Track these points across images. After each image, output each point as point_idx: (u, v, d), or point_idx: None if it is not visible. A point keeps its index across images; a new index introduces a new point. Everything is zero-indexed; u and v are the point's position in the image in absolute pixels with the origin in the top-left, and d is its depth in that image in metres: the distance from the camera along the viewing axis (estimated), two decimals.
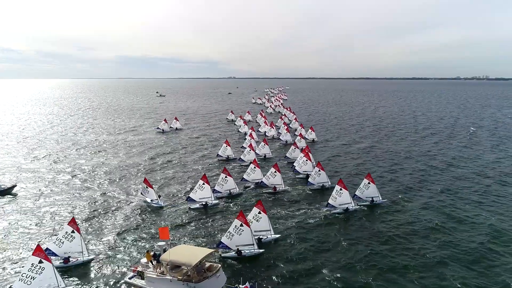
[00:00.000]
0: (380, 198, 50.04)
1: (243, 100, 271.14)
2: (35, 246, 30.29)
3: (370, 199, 49.61)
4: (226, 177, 54.00)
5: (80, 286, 31.68)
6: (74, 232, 35.51)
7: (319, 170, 56.92)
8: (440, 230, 41.94)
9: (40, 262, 29.12)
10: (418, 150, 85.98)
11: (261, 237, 39.11)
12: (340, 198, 47.16)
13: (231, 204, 50.95)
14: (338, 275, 32.86)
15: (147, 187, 50.12)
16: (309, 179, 57.26)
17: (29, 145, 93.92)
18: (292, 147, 76.22)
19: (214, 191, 52.70)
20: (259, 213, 39.31)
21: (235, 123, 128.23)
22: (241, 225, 36.19)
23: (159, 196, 51.07)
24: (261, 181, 56.85)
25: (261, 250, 36.53)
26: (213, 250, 31.87)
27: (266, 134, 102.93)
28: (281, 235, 40.27)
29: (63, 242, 35.15)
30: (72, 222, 35.74)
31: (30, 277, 28.92)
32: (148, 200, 49.99)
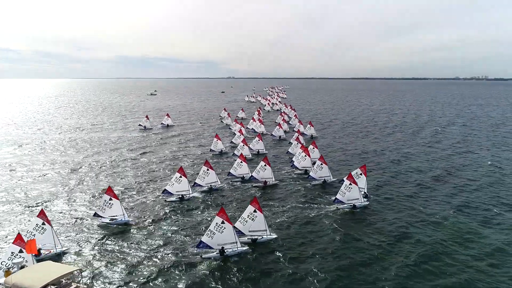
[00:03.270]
0: (366, 193, 47.82)
1: (237, 98, 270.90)
2: (16, 235, 30.07)
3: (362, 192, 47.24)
4: (207, 170, 51.96)
5: None
6: (44, 224, 34.49)
7: (321, 164, 55.16)
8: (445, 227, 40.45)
9: (20, 251, 29.26)
10: (420, 149, 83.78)
11: (256, 237, 36.90)
12: (349, 193, 45.66)
13: (213, 199, 49.09)
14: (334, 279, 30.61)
15: (110, 199, 40.31)
16: (310, 173, 55.82)
17: None
18: (295, 142, 74.75)
19: (195, 184, 51.10)
20: (255, 211, 37.12)
21: (223, 120, 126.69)
22: (223, 223, 34.35)
23: (123, 214, 40.78)
24: (251, 175, 55.03)
25: (244, 248, 34.92)
26: (75, 269, 27.82)
27: (255, 130, 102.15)
28: (278, 236, 37.98)
29: (34, 235, 34.09)
30: (42, 214, 34.77)
31: (10, 265, 28.76)
32: (108, 219, 40.25)
